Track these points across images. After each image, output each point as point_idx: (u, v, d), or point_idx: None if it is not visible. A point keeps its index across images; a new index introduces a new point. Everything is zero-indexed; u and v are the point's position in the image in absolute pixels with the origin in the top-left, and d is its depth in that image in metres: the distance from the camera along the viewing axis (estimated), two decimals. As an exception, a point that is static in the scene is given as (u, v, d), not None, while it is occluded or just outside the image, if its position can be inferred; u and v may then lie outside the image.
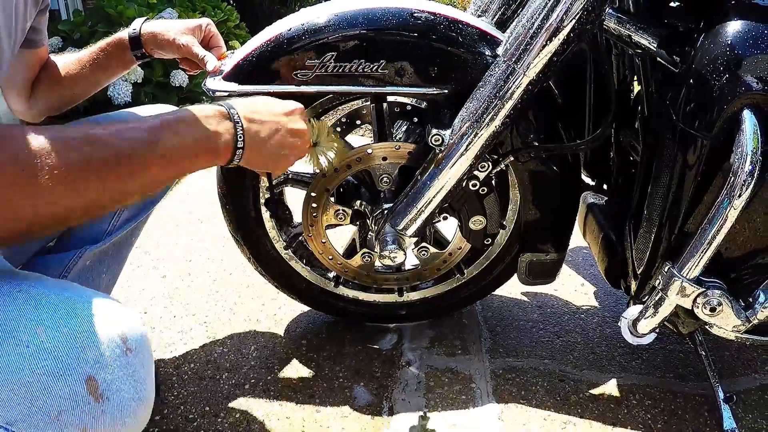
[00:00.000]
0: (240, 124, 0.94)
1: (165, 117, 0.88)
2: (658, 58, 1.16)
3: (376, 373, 1.46)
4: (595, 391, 1.42)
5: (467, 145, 1.15)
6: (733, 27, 1.01)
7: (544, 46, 1.07)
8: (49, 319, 0.72)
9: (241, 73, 1.21)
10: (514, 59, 1.09)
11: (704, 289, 1.10)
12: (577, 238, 1.56)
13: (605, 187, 1.54)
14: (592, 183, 1.56)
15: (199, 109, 0.92)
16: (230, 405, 1.36)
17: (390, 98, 1.35)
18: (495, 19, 1.36)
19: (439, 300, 1.57)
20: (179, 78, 3.25)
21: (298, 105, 1.08)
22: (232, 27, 3.98)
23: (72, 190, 0.74)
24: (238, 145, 0.94)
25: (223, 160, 0.94)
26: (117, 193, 0.81)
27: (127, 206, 1.30)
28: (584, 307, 1.70)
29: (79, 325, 0.73)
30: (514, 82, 1.10)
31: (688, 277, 1.09)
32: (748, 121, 0.98)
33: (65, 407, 0.69)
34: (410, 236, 1.26)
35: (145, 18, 1.34)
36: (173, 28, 1.30)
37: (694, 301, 1.11)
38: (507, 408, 1.37)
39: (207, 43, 1.34)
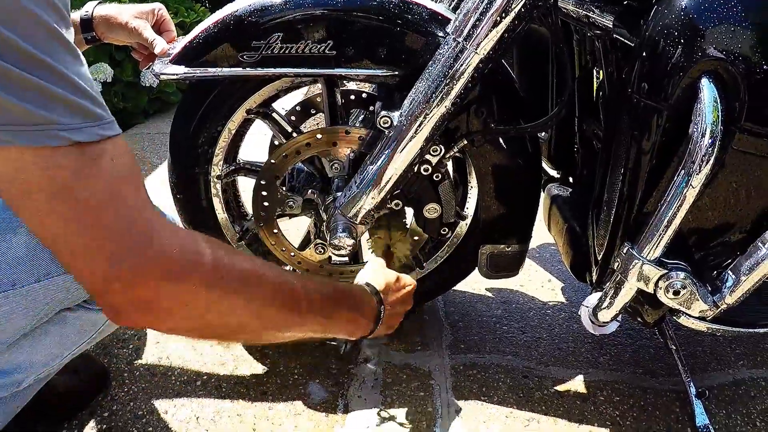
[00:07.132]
0: (382, 312, 1.03)
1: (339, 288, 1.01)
2: (616, 36, 1.04)
3: (333, 370, 1.32)
4: (561, 388, 1.29)
5: (417, 127, 1.03)
6: (688, -7, 0.89)
7: (494, 24, 0.96)
8: None
9: (189, 56, 1.12)
10: (463, 37, 0.98)
11: (666, 271, 0.97)
12: (546, 235, 1.44)
13: (570, 180, 1.42)
14: (557, 175, 1.44)
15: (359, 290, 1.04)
16: (181, 402, 1.23)
17: (346, 86, 1.24)
18: (452, 5, 1.26)
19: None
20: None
21: (412, 284, 1.16)
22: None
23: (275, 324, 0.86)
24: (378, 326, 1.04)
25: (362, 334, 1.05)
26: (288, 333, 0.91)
27: None
28: (551, 303, 1.56)
29: None
30: (464, 61, 0.99)
31: (648, 258, 0.96)
32: (707, 89, 0.86)
33: None
34: (361, 224, 1.13)
35: (98, 1, 1.25)
36: (126, 11, 1.23)
37: (656, 284, 0.98)
38: (467, 404, 1.24)
39: (158, 28, 1.26)
